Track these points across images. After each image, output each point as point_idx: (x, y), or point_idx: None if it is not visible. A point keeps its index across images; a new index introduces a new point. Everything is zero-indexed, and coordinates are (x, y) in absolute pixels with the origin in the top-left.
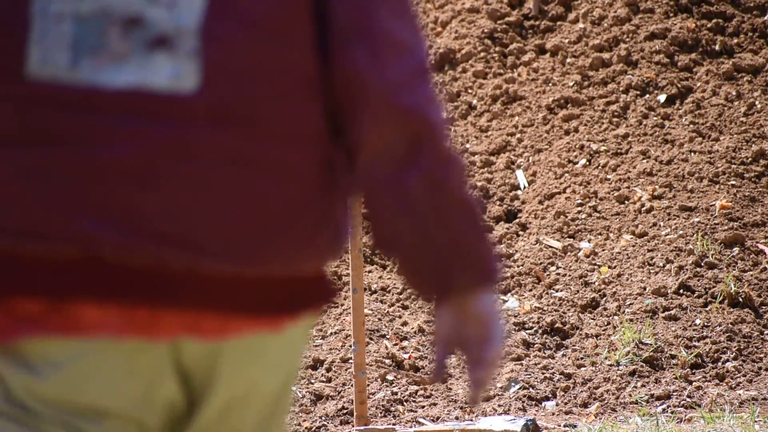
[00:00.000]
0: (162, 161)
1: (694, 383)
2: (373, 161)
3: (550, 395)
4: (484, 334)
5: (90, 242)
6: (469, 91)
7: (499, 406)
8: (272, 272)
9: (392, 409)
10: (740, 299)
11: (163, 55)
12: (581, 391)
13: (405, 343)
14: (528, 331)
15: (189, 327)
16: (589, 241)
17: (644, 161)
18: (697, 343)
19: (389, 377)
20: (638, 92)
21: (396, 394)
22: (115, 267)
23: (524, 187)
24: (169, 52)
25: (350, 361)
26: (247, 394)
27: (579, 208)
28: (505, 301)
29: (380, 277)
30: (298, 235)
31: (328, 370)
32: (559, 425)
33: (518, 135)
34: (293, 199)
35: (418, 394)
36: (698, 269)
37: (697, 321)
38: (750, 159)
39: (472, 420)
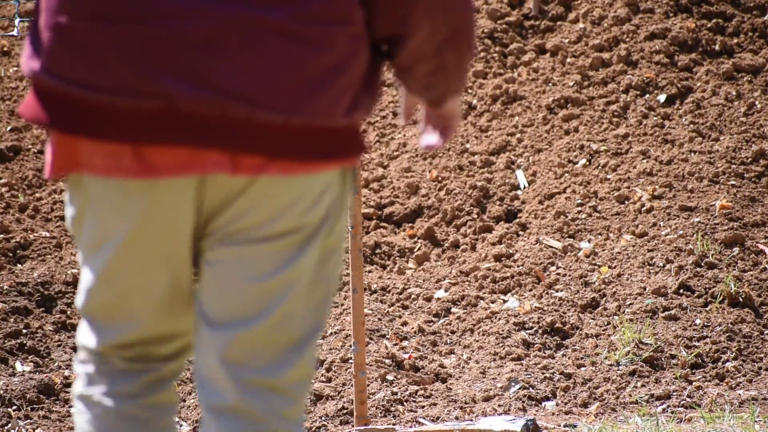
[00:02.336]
0: (227, 34)
1: (694, 383)
2: (419, 44)
3: (550, 395)
4: (450, 122)
5: (170, 97)
6: (469, 91)
7: (499, 406)
8: (312, 122)
9: (392, 409)
10: (740, 299)
11: None
12: (581, 391)
13: (405, 343)
14: (528, 331)
15: (233, 164)
16: (589, 241)
17: (644, 161)
18: (697, 343)
19: (389, 377)
20: (638, 92)
21: (396, 394)
22: (189, 116)
23: (524, 187)
24: None
25: (350, 361)
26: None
27: (579, 208)
28: (505, 301)
29: (380, 277)
30: (332, 93)
31: (328, 370)
32: (559, 425)
33: (518, 135)
34: (329, 66)
35: (418, 394)
36: (698, 269)
37: (697, 321)
38: (750, 159)
39: (472, 420)
